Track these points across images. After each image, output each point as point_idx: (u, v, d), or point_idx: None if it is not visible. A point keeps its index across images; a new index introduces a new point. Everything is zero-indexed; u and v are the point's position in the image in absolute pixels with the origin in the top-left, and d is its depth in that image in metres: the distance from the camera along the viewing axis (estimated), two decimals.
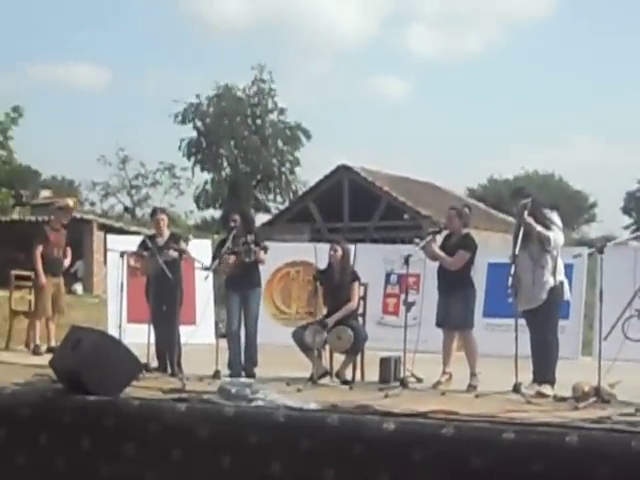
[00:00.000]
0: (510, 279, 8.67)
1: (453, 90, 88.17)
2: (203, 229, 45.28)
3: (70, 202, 13.89)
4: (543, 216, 9.07)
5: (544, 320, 9.00)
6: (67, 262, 13.18)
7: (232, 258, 10.22)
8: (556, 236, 8.97)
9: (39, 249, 12.69)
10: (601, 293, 8.47)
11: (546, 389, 8.72)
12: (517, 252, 8.76)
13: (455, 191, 40.77)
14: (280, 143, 51.01)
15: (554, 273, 8.98)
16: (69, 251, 13.14)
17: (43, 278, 12.60)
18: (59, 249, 12.90)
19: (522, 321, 9.00)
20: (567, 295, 9.29)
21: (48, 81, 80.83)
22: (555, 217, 9.15)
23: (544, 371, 8.94)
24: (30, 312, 13.16)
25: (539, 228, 8.89)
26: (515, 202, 9.26)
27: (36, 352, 12.42)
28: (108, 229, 27.45)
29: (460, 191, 46.14)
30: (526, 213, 8.94)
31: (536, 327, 9.03)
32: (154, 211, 11.56)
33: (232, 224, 10.46)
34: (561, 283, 9.07)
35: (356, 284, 10.22)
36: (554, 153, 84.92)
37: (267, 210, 49.98)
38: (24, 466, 8.13)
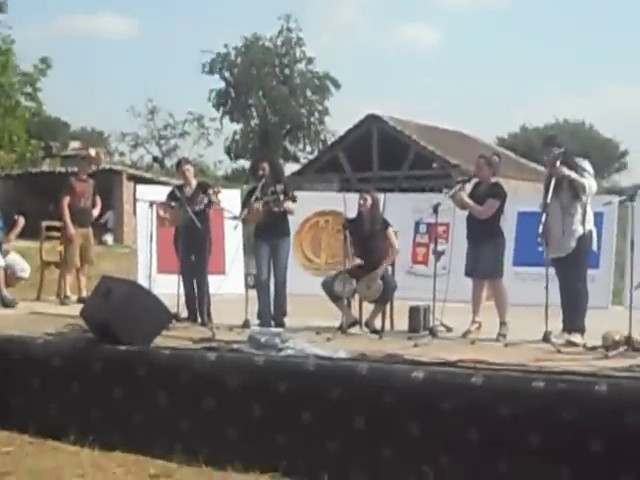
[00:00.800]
0: (540, 228, 8.62)
1: (483, 38, 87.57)
2: (233, 179, 45.33)
3: (92, 151, 13.89)
4: (575, 164, 8.98)
5: (573, 268, 8.96)
6: (96, 212, 13.17)
7: (260, 205, 10.19)
8: (590, 183, 8.90)
9: (66, 200, 12.71)
10: (632, 242, 8.41)
11: (576, 338, 8.69)
12: (548, 201, 8.71)
13: (484, 139, 40.51)
14: (309, 93, 50.84)
15: (583, 222, 8.92)
16: (98, 201, 13.13)
17: (71, 229, 12.63)
18: (86, 199, 12.90)
19: (552, 270, 8.96)
20: (594, 246, 9.23)
21: (75, 32, 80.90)
22: (587, 165, 9.06)
23: (574, 320, 8.91)
24: (60, 263, 13.22)
25: (574, 175, 8.81)
26: (547, 151, 9.20)
27: (64, 302, 12.50)
28: (137, 179, 27.51)
29: (490, 140, 45.88)
30: (558, 163, 8.87)
31: (565, 276, 8.99)
32: (179, 162, 11.55)
33: (260, 172, 10.41)
34: (590, 232, 9.01)
35: (391, 230, 10.18)
36: (585, 101, 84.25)
37: (296, 160, 49.93)
38: (57, 415, 8.24)
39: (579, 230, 8.89)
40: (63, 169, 30.12)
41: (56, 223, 13.37)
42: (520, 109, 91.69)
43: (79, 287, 12.82)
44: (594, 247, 9.21)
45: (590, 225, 9.01)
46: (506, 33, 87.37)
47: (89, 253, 12.97)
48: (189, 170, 10.93)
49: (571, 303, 8.94)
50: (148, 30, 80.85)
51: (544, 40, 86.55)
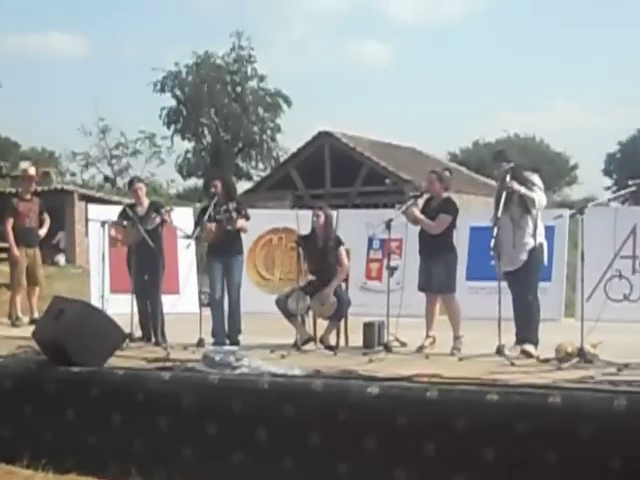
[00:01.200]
0: (492, 241, 8.66)
1: (435, 55, 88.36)
2: (185, 198, 45.18)
3: (31, 170, 13.67)
4: (525, 179, 9.06)
5: (524, 281, 9.03)
6: (43, 231, 12.91)
7: (213, 226, 10.19)
8: (540, 197, 8.98)
9: (10, 222, 12.57)
10: (582, 254, 8.48)
11: (530, 348, 8.74)
12: (499, 215, 8.77)
13: (437, 155, 40.72)
14: (261, 110, 50.82)
15: (534, 235, 8.99)
16: (46, 219, 12.94)
17: (16, 251, 12.47)
18: (31, 219, 12.72)
19: (504, 284, 8.99)
20: (545, 259, 9.30)
21: (25, 51, 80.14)
22: (536, 179, 9.15)
23: (527, 332, 8.96)
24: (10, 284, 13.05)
25: (523, 190, 8.89)
26: (496, 165, 9.27)
27: (15, 324, 12.37)
28: (89, 199, 27.28)
29: (442, 155, 46.14)
30: (508, 177, 8.94)
31: (517, 288, 9.06)
32: (131, 181, 11.51)
33: (212, 190, 10.42)
34: (541, 245, 9.08)
35: (342, 249, 10.20)
36: (535, 116, 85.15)
37: (249, 178, 49.84)
38: (10, 438, 8.13)
39: (530, 243, 8.97)
40: (13, 189, 29.81)
41: (6, 244, 13.23)
42: (472, 125, 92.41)
43: (30, 308, 12.68)
44: (545, 260, 9.29)
45: (541, 238, 9.08)
46: (457, 49, 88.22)
47: (36, 273, 12.80)
48: (141, 189, 10.89)
49: (523, 315, 9.00)
50: (98, 48, 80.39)
51: (495, 56, 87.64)
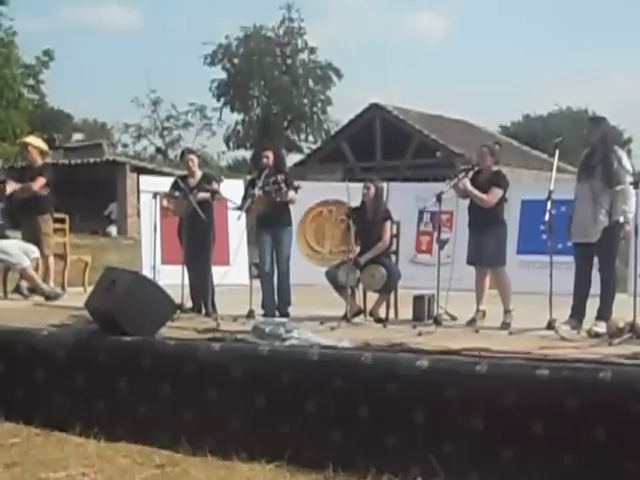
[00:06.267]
0: (547, 215, 8.54)
1: (488, 27, 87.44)
2: (235, 170, 45.33)
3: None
4: (618, 157, 8.86)
5: (599, 258, 8.87)
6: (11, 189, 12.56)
7: (259, 192, 10.15)
8: (628, 197, 8.70)
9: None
10: (636, 229, 8.37)
11: (599, 329, 8.55)
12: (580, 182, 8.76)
13: (488, 128, 40.42)
14: (311, 83, 50.83)
15: (610, 213, 8.70)
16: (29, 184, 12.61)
17: None
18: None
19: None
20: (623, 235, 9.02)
21: (79, 23, 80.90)
22: (625, 159, 8.86)
23: (601, 308, 8.76)
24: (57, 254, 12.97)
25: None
26: (593, 129, 9.08)
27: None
28: (141, 171, 27.47)
29: (493, 128, 45.78)
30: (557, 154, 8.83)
31: (585, 262, 8.93)
32: (183, 152, 11.57)
33: (264, 160, 10.40)
34: (617, 222, 8.74)
35: (388, 222, 10.18)
36: (588, 89, 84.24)
37: (299, 150, 49.90)
38: (63, 406, 8.24)
39: (604, 222, 8.72)
40: (66, 161, 30.04)
41: (60, 215, 13.29)
42: (523, 97, 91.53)
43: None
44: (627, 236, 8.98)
45: (617, 215, 8.77)
46: (511, 21, 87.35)
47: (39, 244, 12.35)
48: (193, 160, 10.90)
49: (601, 291, 8.86)
50: (152, 21, 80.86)
51: (548, 28, 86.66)
